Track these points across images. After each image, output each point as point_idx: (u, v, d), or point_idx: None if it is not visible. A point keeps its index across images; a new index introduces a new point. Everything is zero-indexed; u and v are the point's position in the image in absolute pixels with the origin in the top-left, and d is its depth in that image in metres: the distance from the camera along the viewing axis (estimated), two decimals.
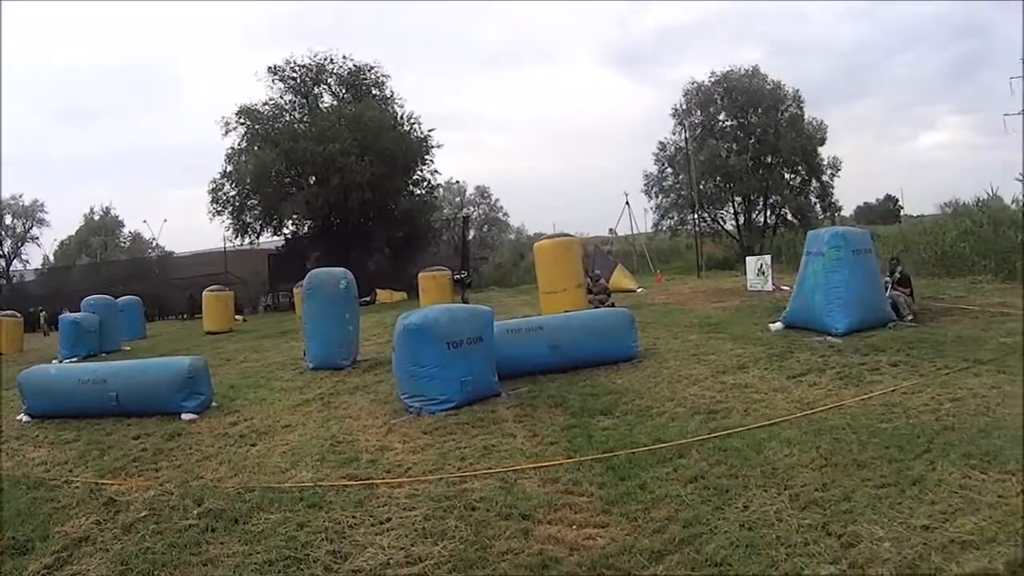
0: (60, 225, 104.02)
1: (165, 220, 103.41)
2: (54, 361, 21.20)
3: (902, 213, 79.70)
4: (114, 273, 60.63)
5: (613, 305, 19.62)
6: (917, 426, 8.25)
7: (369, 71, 54.05)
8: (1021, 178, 39.33)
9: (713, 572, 5.25)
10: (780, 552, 5.42)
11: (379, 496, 7.19)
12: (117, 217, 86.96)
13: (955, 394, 9.50)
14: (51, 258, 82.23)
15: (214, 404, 12.19)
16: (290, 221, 53.10)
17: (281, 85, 52.47)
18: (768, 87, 58.15)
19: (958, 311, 16.59)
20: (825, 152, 59.38)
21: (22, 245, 77.58)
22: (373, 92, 53.87)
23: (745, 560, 5.34)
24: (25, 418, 12.33)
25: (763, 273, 26.86)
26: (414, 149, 52.37)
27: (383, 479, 7.72)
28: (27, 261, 77.45)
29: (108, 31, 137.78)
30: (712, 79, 58.91)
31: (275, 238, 54.39)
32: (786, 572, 5.17)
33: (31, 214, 77.03)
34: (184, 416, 11.42)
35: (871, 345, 13.08)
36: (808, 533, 5.67)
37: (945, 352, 12.16)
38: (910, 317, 15.51)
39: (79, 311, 26.61)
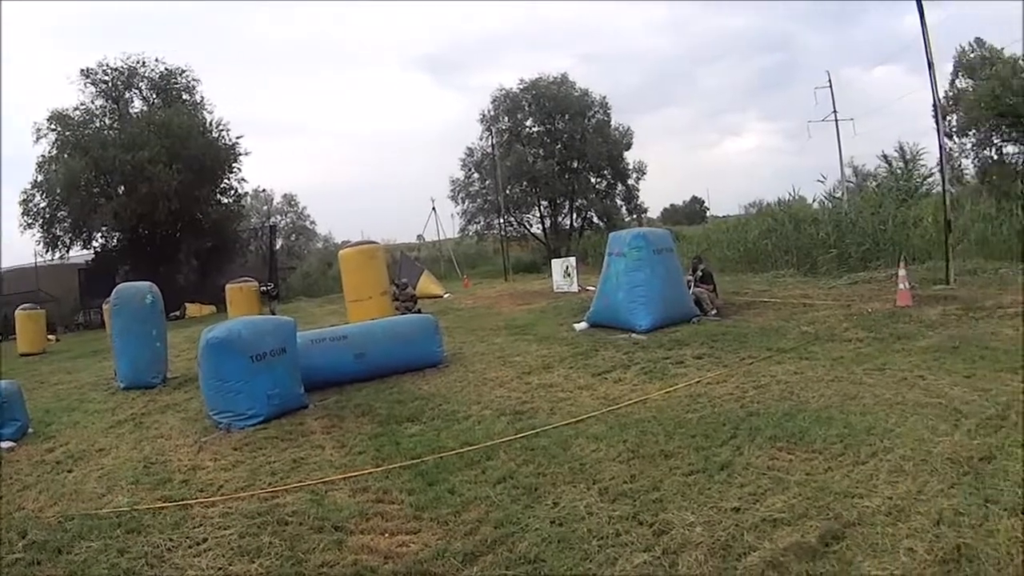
0: None
1: None
2: None
3: (708, 214, 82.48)
4: None
5: (419, 311, 19.66)
6: (722, 414, 8.58)
7: (180, 75, 52.49)
8: (823, 179, 40.98)
9: (527, 569, 5.29)
10: (593, 545, 5.50)
11: (194, 516, 7.04)
12: None
13: (759, 382, 9.97)
14: None
15: (31, 430, 11.71)
16: (99, 233, 50.85)
17: (93, 89, 50.18)
18: (576, 94, 58.96)
19: (761, 304, 17.29)
20: (631, 156, 60.69)
21: None
22: (183, 97, 52.40)
23: (558, 555, 5.41)
24: None
25: (569, 274, 27.52)
26: (222, 157, 51.23)
27: (197, 499, 7.57)
28: None
29: None
30: (521, 86, 59.39)
31: (85, 252, 51.97)
32: (600, 563, 5.24)
33: None
34: (2, 444, 10.90)
35: (675, 340, 13.58)
36: (619, 524, 5.78)
37: (748, 343, 12.76)
38: (714, 312, 16.13)
39: None
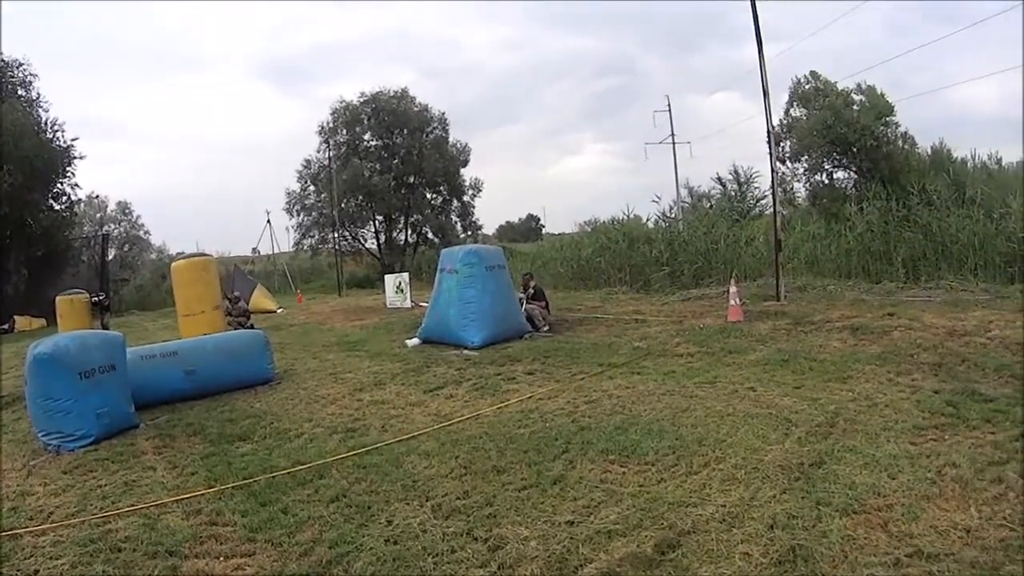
0: None
1: None
2: None
3: (544, 231, 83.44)
4: None
5: (252, 327, 19.55)
6: (554, 429, 8.69)
7: (17, 68, 49.29)
8: (658, 199, 41.96)
9: None
10: (428, 562, 5.51)
11: (24, 547, 6.71)
12: None
13: (590, 397, 10.15)
14: None
15: None
16: None
17: None
18: (416, 109, 59.55)
19: (593, 320, 17.63)
20: (468, 173, 61.75)
21: None
22: (19, 92, 49.31)
23: (394, 573, 5.41)
24: None
25: (401, 290, 27.82)
26: (56, 159, 48.48)
27: (26, 528, 7.25)
28: None
29: None
30: (361, 99, 59.53)
31: None
32: None
33: None
34: None
35: (507, 356, 13.73)
36: (454, 540, 5.80)
37: (580, 358, 12.98)
38: (546, 328, 16.39)
39: None
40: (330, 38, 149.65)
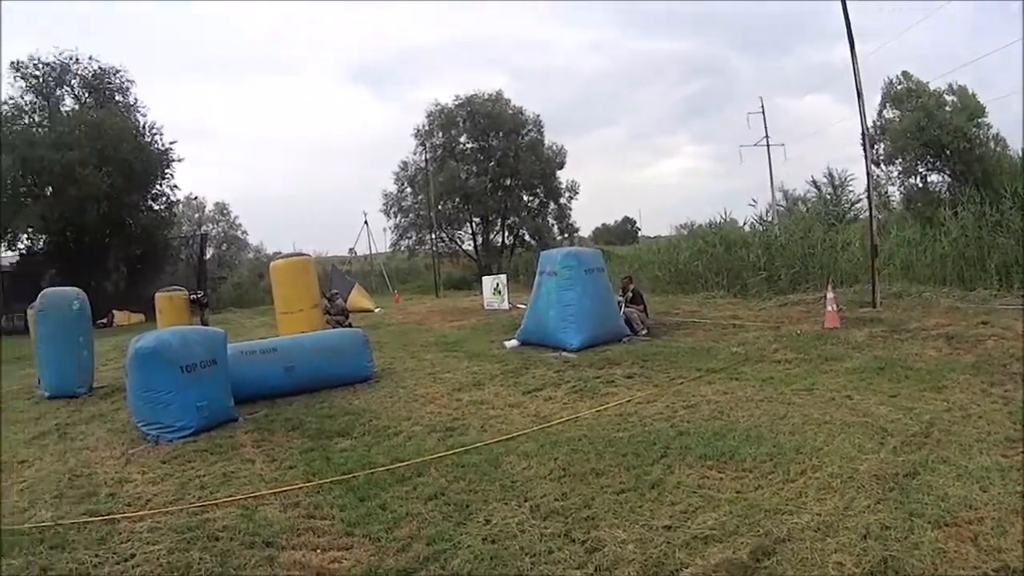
0: None
1: None
2: None
3: (639, 234, 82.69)
4: None
5: (350, 325, 19.60)
6: (653, 433, 8.62)
7: (114, 75, 50.82)
8: (754, 202, 41.41)
9: None
10: (525, 562, 5.49)
11: (121, 531, 6.84)
12: None
13: (689, 401, 10.06)
14: None
15: None
16: (25, 236, 49.20)
17: (23, 83, 48.21)
18: (510, 112, 59.16)
19: (691, 324, 17.42)
20: (564, 176, 61.01)
21: None
22: (117, 98, 50.85)
23: (491, 572, 5.40)
24: None
25: (499, 292, 27.61)
26: (154, 162, 49.64)
27: (124, 513, 7.38)
28: None
29: None
30: (456, 102, 59.35)
31: (9, 254, 50.39)
32: None
33: None
34: None
35: (606, 359, 13.61)
36: (552, 541, 5.77)
37: (678, 363, 12.86)
38: (644, 332, 16.20)
39: None
40: (421, 42, 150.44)
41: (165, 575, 5.81)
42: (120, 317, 40.73)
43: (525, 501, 6.71)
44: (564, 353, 14.54)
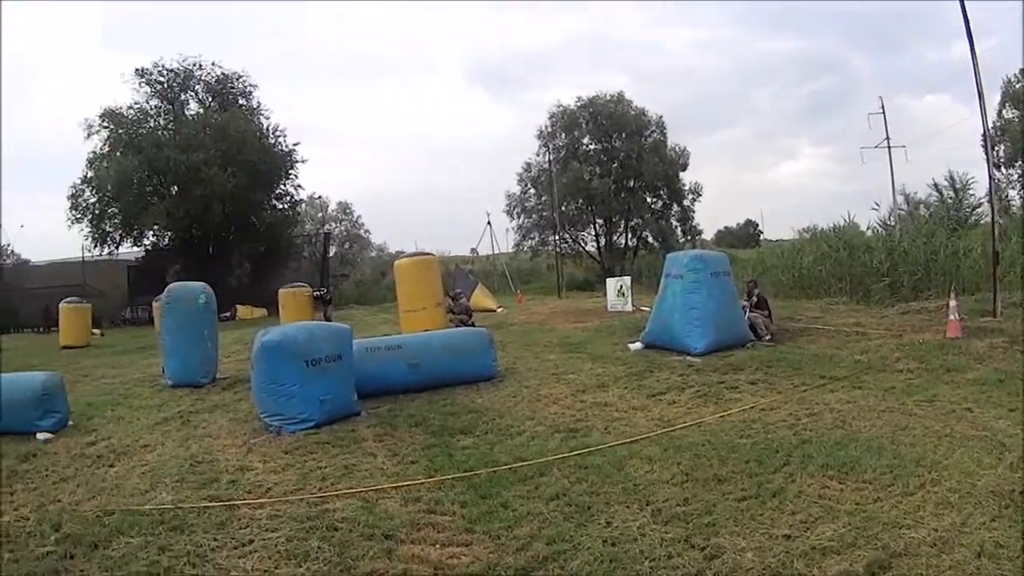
0: None
1: (22, 226, 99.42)
2: None
3: (762, 237, 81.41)
4: None
5: (474, 325, 19.54)
6: (775, 441, 8.51)
7: (237, 80, 53.01)
8: (877, 206, 40.65)
9: None
10: (644, 566, 5.47)
11: (241, 517, 7.01)
12: None
13: (812, 409, 9.88)
14: None
15: (71, 423, 11.66)
16: (151, 232, 51.14)
17: (147, 89, 50.43)
18: (632, 113, 58.94)
19: (814, 331, 17.00)
20: (687, 177, 60.66)
21: None
22: (240, 102, 52.79)
23: (610, 574, 5.39)
24: None
25: (623, 294, 27.09)
26: (278, 162, 51.51)
27: (244, 500, 7.55)
28: None
29: None
30: (578, 103, 59.39)
31: (135, 249, 52.31)
32: None
33: None
34: (39, 436, 10.85)
35: (730, 364, 13.40)
36: (671, 547, 5.74)
37: (802, 370, 12.60)
38: (768, 337, 15.89)
39: None
40: (538, 43, 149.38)
41: (282, 562, 5.94)
42: (243, 311, 41.83)
43: (647, 505, 6.70)
44: (688, 357, 14.35)
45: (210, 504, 7.41)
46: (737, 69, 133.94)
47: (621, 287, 27.61)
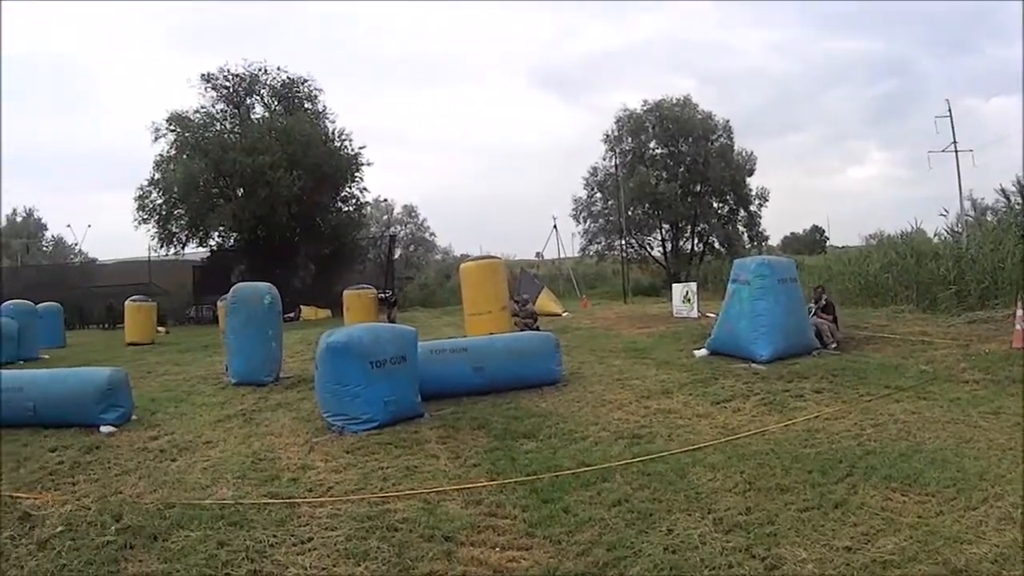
0: None
1: (89, 226, 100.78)
2: None
3: (828, 244, 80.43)
4: (34, 278, 57.04)
5: (538, 329, 19.56)
6: (839, 451, 8.44)
7: (302, 84, 53.44)
8: (945, 212, 40.16)
9: None
10: (704, 574, 5.46)
11: (301, 515, 7.09)
12: (40, 220, 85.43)
13: (876, 420, 9.79)
14: None
15: (134, 417, 11.86)
16: (216, 233, 51.96)
17: (213, 93, 51.41)
18: (699, 117, 58.49)
19: (880, 339, 16.81)
20: (754, 182, 60.07)
21: None
22: (305, 106, 53.24)
23: None
24: None
25: (689, 300, 26.87)
26: (344, 166, 51.83)
27: (305, 498, 7.63)
28: None
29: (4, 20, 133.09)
30: (644, 107, 59.10)
31: (200, 249, 53.16)
32: None
33: None
34: (103, 429, 11.05)
35: (795, 372, 13.25)
36: (732, 556, 5.73)
37: (867, 379, 12.43)
38: (834, 345, 15.71)
39: None
40: (604, 46, 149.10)
41: (341, 560, 6.00)
42: (307, 312, 42.11)
43: (708, 513, 6.70)
44: (754, 364, 14.24)
45: (270, 501, 7.52)
46: (804, 71, 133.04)
47: (687, 293, 27.42)
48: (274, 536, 6.53)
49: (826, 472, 7.68)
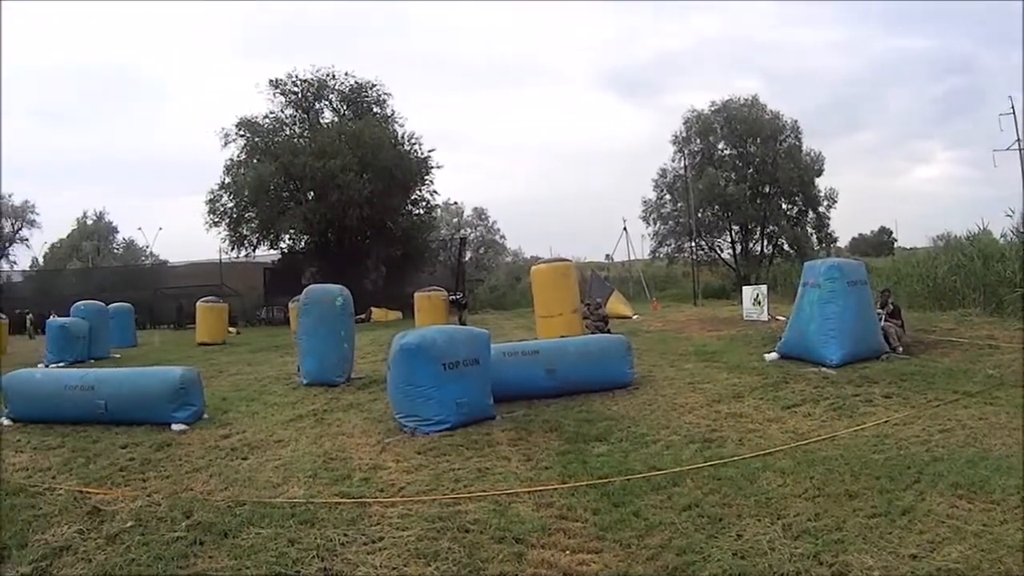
0: (49, 227, 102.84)
1: (160, 228, 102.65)
2: (39, 365, 21.28)
3: (895, 245, 79.27)
4: (106, 279, 59.24)
5: (610, 331, 19.54)
6: (907, 457, 8.39)
7: (371, 88, 53.88)
8: (1012, 213, 39.54)
9: None
10: None
11: (372, 515, 7.17)
12: (111, 223, 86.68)
13: (944, 425, 9.69)
14: (40, 261, 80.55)
15: (205, 416, 12.08)
16: (287, 235, 52.55)
17: (282, 99, 52.26)
18: (767, 117, 57.97)
19: (947, 343, 16.60)
20: (822, 183, 59.28)
21: (9, 246, 75.98)
22: (374, 110, 53.74)
23: None
24: (6, 421, 12.19)
25: (759, 303, 26.62)
26: (414, 168, 52.09)
27: (376, 498, 7.71)
28: (14, 262, 75.02)
29: (79, 30, 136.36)
30: (712, 108, 58.77)
31: (271, 252, 53.91)
32: None
33: (21, 215, 75.20)
34: (174, 427, 11.30)
35: (864, 376, 13.14)
36: (800, 562, 5.73)
37: (935, 384, 12.32)
38: (900, 349, 15.53)
39: (68, 315, 26.32)
40: (668, 46, 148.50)
41: (411, 560, 6.07)
42: (377, 314, 42.20)
43: (778, 519, 6.72)
44: (824, 368, 14.14)
45: (342, 500, 7.63)
46: (869, 70, 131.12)
47: (757, 296, 27.16)
48: (345, 535, 6.62)
49: (894, 478, 7.64)
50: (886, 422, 10.19)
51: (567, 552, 6.17)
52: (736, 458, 8.70)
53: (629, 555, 6.06)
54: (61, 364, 22.42)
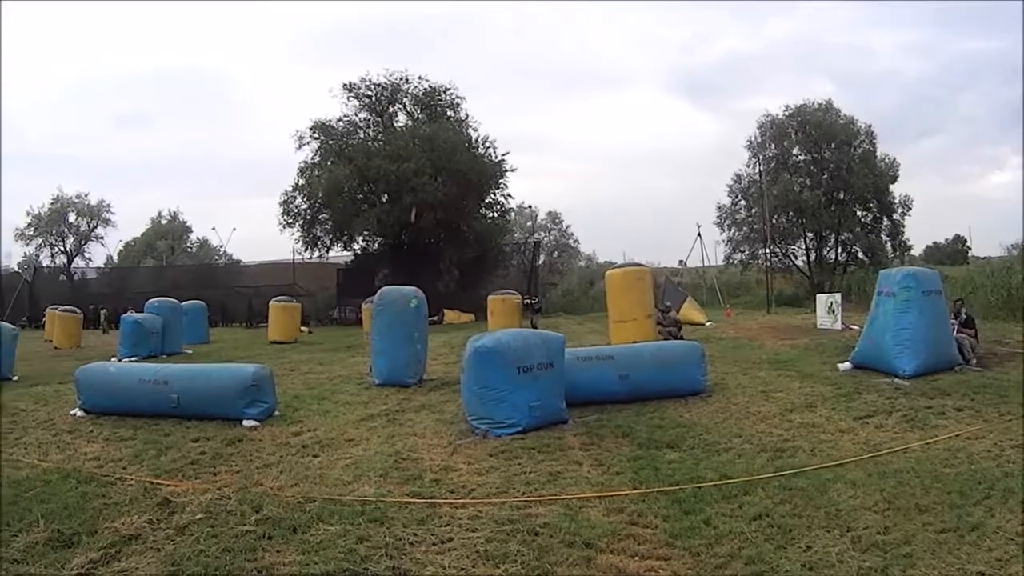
0: (124, 226, 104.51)
1: (234, 229, 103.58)
2: (113, 359, 21.77)
3: (970, 254, 78.07)
4: (179, 277, 60.92)
5: (682, 338, 19.49)
6: (979, 472, 8.26)
7: (444, 92, 54.35)
8: None
9: None
10: None
11: (442, 515, 7.22)
12: (185, 222, 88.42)
13: (1016, 440, 9.52)
14: (115, 258, 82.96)
15: (277, 413, 12.29)
16: (360, 237, 53.43)
17: (356, 102, 53.00)
18: (841, 122, 57.20)
19: (1020, 356, 16.38)
20: (896, 190, 58.31)
21: (85, 243, 78.28)
22: (448, 114, 54.18)
23: None
24: (80, 413, 12.52)
25: (833, 311, 26.36)
26: (488, 172, 52.29)
27: (446, 499, 7.76)
28: (89, 259, 78.13)
29: (160, 36, 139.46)
30: (786, 112, 58.12)
31: (344, 253, 54.75)
32: None
33: (97, 213, 76.72)
34: (246, 423, 11.51)
35: (937, 388, 12.99)
36: None
37: (1009, 398, 12.11)
38: (974, 360, 15.37)
39: (142, 311, 26.86)
40: (739, 50, 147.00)
41: (480, 561, 6.11)
42: (450, 316, 42.88)
43: (847, 531, 6.64)
44: (897, 379, 13.99)
45: (412, 500, 7.70)
46: (941, 73, 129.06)
47: (831, 304, 26.89)
48: (414, 534, 6.68)
49: (964, 493, 7.53)
50: (958, 435, 10.05)
51: (636, 558, 6.16)
52: (807, 468, 8.64)
53: (698, 563, 6.05)
54: (134, 359, 22.99)
